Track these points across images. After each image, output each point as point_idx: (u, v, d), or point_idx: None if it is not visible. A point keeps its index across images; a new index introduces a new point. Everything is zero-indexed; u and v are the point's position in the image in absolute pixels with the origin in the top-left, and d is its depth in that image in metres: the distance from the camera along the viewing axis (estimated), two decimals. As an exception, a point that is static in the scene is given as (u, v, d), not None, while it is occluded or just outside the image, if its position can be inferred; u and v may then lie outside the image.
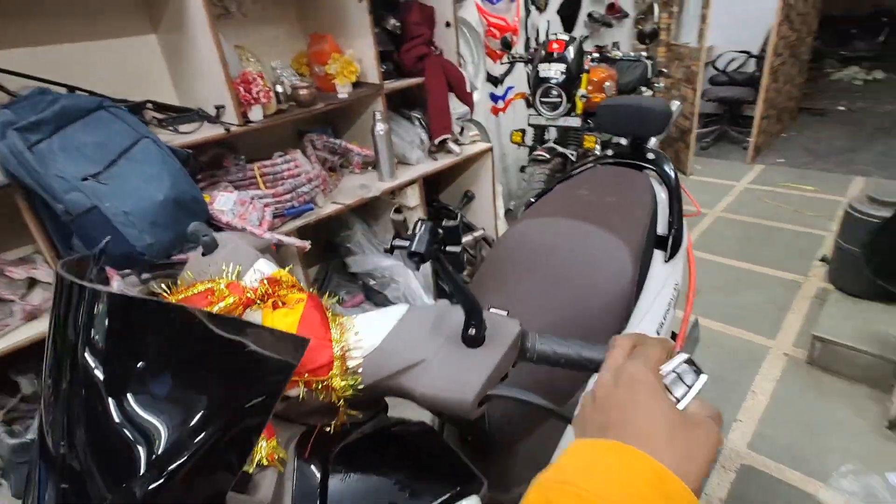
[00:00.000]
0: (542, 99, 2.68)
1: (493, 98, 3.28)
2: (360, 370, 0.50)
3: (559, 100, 2.62)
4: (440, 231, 0.47)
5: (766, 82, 3.79)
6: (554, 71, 2.59)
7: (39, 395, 0.52)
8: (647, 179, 1.41)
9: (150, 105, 1.73)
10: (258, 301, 0.54)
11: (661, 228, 1.34)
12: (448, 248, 0.47)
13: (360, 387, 0.50)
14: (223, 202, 1.55)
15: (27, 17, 1.51)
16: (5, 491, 1.22)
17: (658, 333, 1.23)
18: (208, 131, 1.66)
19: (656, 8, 4.02)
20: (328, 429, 0.52)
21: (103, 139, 1.32)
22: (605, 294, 1.06)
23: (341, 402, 0.50)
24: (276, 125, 1.77)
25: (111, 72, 1.69)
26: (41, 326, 1.33)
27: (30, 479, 0.49)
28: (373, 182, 2.06)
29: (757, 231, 3.10)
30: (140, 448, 0.38)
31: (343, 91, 1.99)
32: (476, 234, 2.42)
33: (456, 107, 2.33)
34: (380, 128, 1.98)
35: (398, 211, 2.19)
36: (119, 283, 1.31)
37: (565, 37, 2.63)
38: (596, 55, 2.75)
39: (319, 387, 0.49)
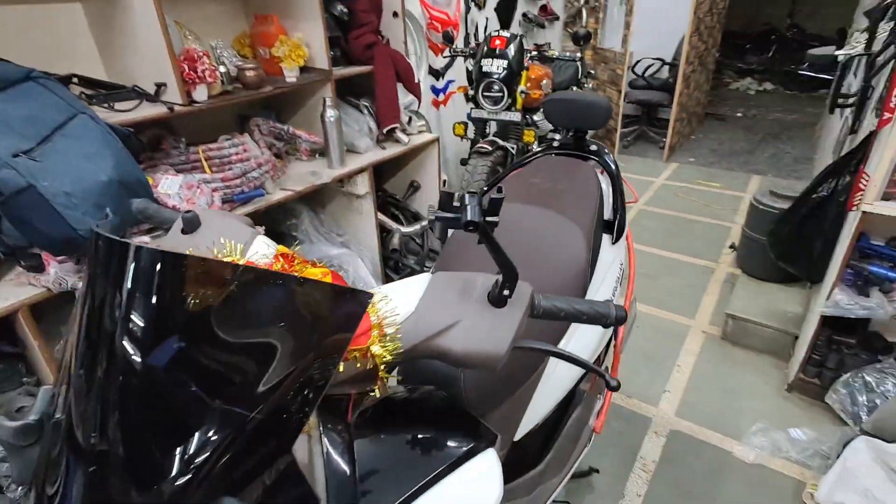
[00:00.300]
0: (485, 93, 2.76)
1: (434, 91, 3.32)
2: (398, 336, 0.53)
3: (501, 94, 2.72)
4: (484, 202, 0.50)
5: (680, 87, 4.14)
6: (496, 66, 2.68)
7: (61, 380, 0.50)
8: (592, 169, 1.52)
9: (75, 80, 1.59)
10: None
11: (607, 214, 1.45)
12: (488, 219, 0.50)
13: (399, 351, 0.52)
14: (168, 185, 1.47)
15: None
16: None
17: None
18: (147, 110, 1.56)
19: (584, 13, 4.26)
20: (371, 394, 0.54)
21: (34, 113, 1.20)
22: (564, 272, 1.14)
23: (382, 367, 0.52)
24: (216, 108, 1.68)
25: (28, 41, 1.53)
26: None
27: (45, 466, 0.47)
28: (322, 169, 2.02)
29: (674, 223, 3.41)
30: (212, 409, 0.39)
31: (291, 75, 1.93)
32: (423, 222, 2.45)
33: (402, 97, 2.34)
34: (330, 114, 1.95)
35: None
36: (56, 270, 1.20)
37: (507, 34, 2.73)
38: (535, 53, 2.87)
39: (358, 356, 0.51)
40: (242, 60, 1.96)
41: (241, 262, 0.51)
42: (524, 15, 4.01)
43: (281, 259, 0.57)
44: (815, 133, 4.98)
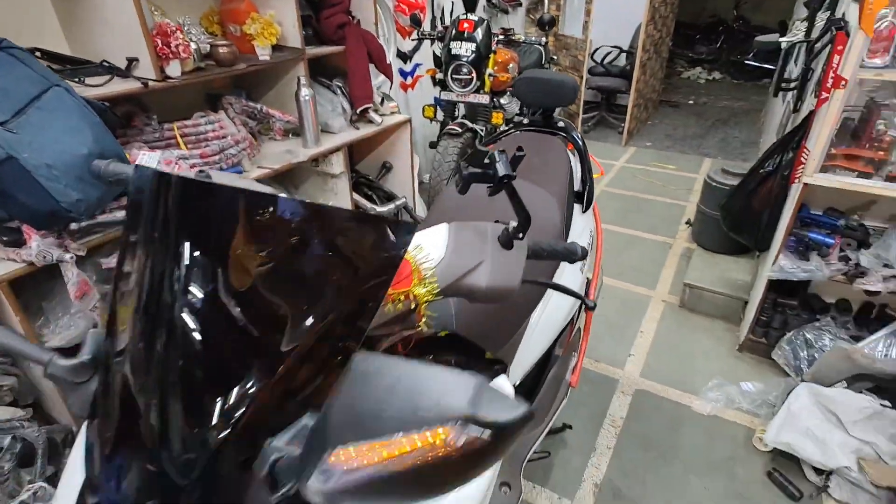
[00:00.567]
0: (454, 75, 2.81)
1: (403, 74, 3.34)
2: (434, 279, 0.60)
3: (470, 77, 2.77)
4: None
5: (638, 74, 4.32)
6: (465, 49, 2.74)
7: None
8: (561, 144, 1.61)
9: (38, 54, 1.54)
10: None
11: (576, 185, 1.55)
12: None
13: (436, 291, 0.59)
14: (146, 161, 1.46)
15: None
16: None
17: (581, 272, 1.45)
18: (118, 85, 1.53)
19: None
20: (414, 332, 0.61)
21: (6, 85, 1.17)
22: (543, 235, 1.23)
23: (423, 306, 0.59)
24: (186, 86, 1.66)
25: None
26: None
27: (102, 400, 0.51)
28: (297, 148, 2.03)
29: (634, 202, 3.58)
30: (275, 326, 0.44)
31: (263, 53, 1.93)
32: (398, 202, 2.50)
33: (373, 78, 2.36)
34: (304, 93, 1.96)
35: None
36: (38, 243, 1.19)
37: (475, 17, 2.78)
38: (501, 37, 2.94)
39: (402, 298, 0.57)
40: (213, 38, 1.94)
41: (296, 197, 0.56)
42: (488, 0, 4.07)
43: None
44: (760, 119, 5.29)
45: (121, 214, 1.38)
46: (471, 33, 2.75)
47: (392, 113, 2.48)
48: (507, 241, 0.68)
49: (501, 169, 0.57)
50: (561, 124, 1.68)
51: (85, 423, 0.55)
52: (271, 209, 0.51)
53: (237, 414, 0.44)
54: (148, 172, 0.51)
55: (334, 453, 0.31)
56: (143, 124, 1.69)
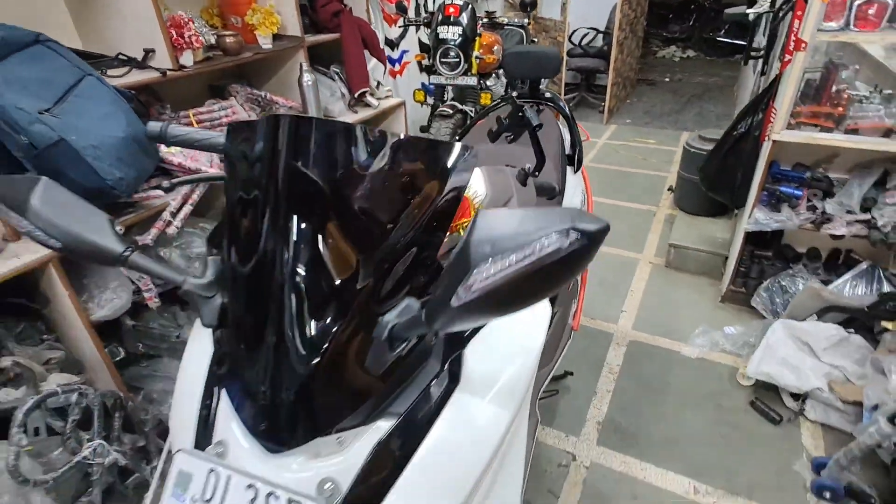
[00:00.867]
0: (442, 59, 2.93)
1: (391, 61, 3.45)
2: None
3: (457, 60, 2.89)
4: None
5: (616, 53, 4.47)
6: (452, 33, 2.85)
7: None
8: (549, 112, 1.76)
9: (57, 50, 1.63)
10: None
11: (567, 149, 1.70)
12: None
13: None
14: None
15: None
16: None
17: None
18: (138, 76, 1.63)
19: (524, -17, 4.47)
20: None
21: (47, 75, 1.28)
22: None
23: None
24: (190, 76, 1.72)
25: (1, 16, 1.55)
26: None
27: (231, 309, 0.65)
28: (302, 132, 2.14)
29: (617, 176, 3.75)
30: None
31: (266, 42, 2.03)
32: (397, 182, 2.62)
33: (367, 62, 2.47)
34: (307, 78, 2.07)
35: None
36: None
37: (460, 2, 2.90)
38: (486, 20, 3.06)
39: (462, 231, 0.72)
40: (217, 29, 2.03)
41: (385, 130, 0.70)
42: (468, -14, 4.17)
43: None
44: (733, 93, 5.50)
45: (155, 194, 1.49)
46: (457, 17, 2.86)
47: (387, 97, 2.59)
48: (523, 180, 0.83)
49: (534, 119, 0.73)
50: (548, 94, 1.82)
51: (211, 331, 0.69)
52: (363, 139, 0.64)
53: (352, 303, 0.59)
54: (283, 117, 0.65)
55: (476, 271, 0.43)
56: (158, 113, 1.79)
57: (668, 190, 3.28)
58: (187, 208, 1.58)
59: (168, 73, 1.64)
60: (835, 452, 1.47)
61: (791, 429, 1.73)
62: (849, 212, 1.92)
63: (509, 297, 0.44)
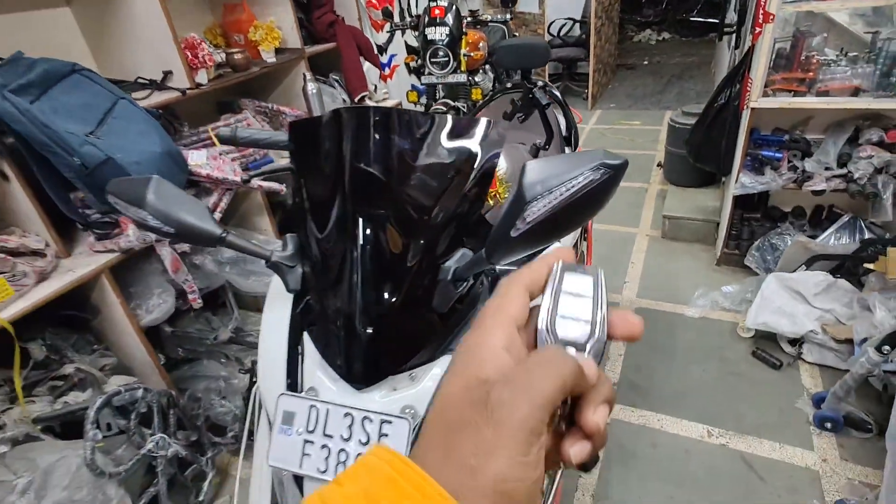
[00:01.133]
0: (432, 59, 3.05)
1: (381, 66, 3.57)
2: (507, 182, 0.88)
3: (447, 59, 3.02)
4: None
5: (594, 41, 4.62)
6: (439, 34, 2.98)
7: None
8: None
9: (79, 78, 1.74)
10: None
11: (563, 132, 1.84)
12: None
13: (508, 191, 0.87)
14: (197, 157, 1.68)
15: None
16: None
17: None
18: (158, 97, 1.74)
19: (501, -20, 4.60)
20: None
21: (87, 101, 1.39)
22: None
23: (503, 201, 0.87)
24: (201, 95, 1.82)
25: (22, 45, 1.64)
26: (52, 287, 1.37)
27: (311, 278, 0.77)
28: (310, 138, 2.26)
29: (608, 158, 3.89)
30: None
31: (269, 56, 2.15)
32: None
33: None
34: (311, 87, 2.13)
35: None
36: (134, 230, 1.41)
37: (444, 2, 3.02)
38: (470, 19, 3.19)
39: (493, 195, 0.85)
40: (222, 48, 2.15)
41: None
42: (447, -12, 4.30)
43: None
44: (710, 70, 5.67)
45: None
46: (443, 18, 2.99)
47: (384, 99, 2.72)
48: (535, 153, 0.96)
49: (543, 100, 0.85)
50: (540, 83, 1.95)
51: (291, 297, 0.82)
52: (413, 120, 0.77)
53: (417, 257, 0.72)
54: (347, 109, 0.77)
55: (530, 206, 0.55)
56: (175, 130, 1.91)
57: (658, 166, 3.42)
58: (217, 215, 1.70)
59: (187, 91, 1.76)
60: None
61: (791, 372, 1.87)
62: (827, 168, 2.07)
63: (558, 224, 0.56)
